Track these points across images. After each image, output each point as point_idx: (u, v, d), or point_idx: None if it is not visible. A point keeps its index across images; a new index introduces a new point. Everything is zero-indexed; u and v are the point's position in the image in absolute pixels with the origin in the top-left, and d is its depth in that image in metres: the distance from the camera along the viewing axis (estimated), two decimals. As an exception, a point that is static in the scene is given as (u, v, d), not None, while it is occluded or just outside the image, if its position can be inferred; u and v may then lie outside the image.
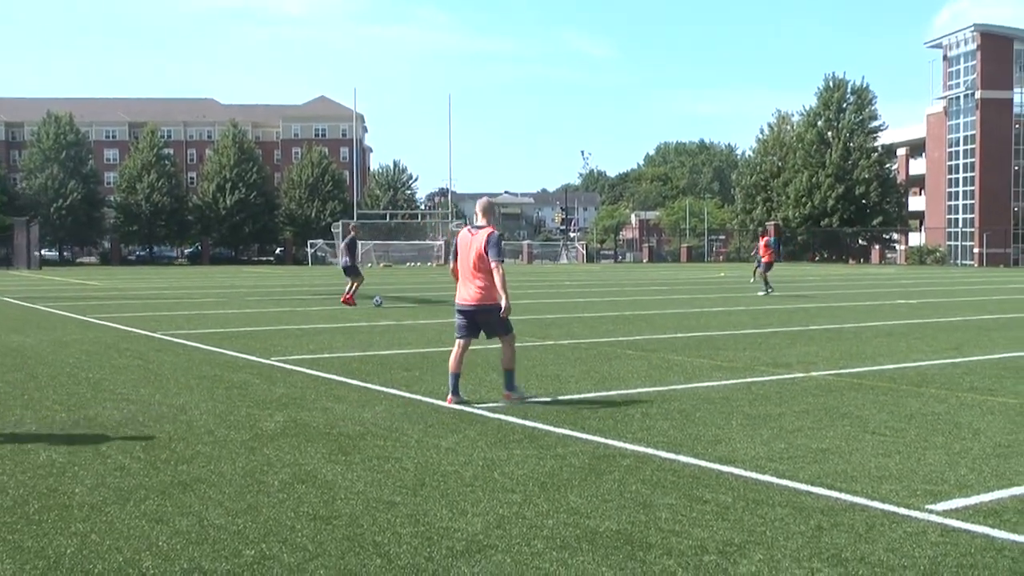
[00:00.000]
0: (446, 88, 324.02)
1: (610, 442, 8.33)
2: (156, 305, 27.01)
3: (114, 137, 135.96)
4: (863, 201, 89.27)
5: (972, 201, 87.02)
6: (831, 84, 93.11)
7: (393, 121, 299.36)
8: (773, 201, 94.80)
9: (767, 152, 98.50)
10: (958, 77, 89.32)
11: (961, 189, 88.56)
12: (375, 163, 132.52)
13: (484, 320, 10.40)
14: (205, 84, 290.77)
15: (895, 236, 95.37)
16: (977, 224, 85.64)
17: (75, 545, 5.59)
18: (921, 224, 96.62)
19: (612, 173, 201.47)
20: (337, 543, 5.64)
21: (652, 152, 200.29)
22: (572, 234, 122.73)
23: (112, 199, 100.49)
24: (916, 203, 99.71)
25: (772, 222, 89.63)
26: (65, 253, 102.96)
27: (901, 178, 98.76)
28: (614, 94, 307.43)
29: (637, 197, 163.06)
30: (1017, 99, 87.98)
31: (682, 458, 7.73)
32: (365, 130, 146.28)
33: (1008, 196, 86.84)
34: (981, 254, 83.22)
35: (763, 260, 32.52)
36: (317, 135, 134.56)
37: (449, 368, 10.51)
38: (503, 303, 10.21)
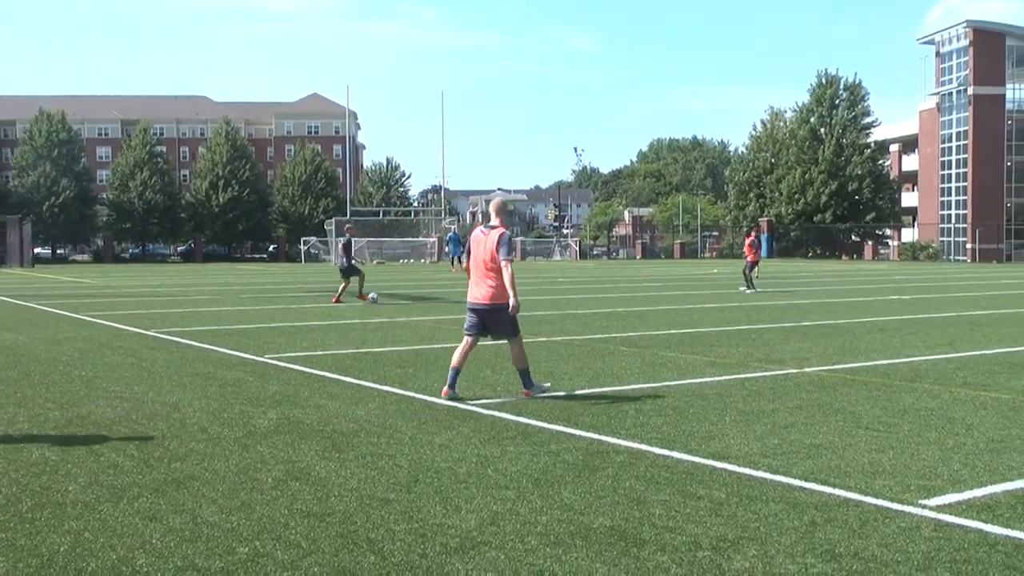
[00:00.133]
0: (438, 85, 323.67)
1: (604, 438, 8.34)
2: (149, 303, 26.96)
3: (106, 135, 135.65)
4: (856, 197, 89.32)
5: (965, 197, 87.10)
6: (824, 80, 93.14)
7: (386, 118, 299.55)
8: (766, 197, 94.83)
9: (760, 148, 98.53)
10: (951, 73, 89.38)
11: (954, 185, 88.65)
12: (368, 160, 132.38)
13: (493, 320, 10.45)
14: (198, 81, 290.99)
15: (888, 232, 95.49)
16: (970, 220, 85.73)
17: (68, 543, 5.58)
18: (914, 220, 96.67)
19: (605, 170, 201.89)
20: (331, 540, 5.63)
21: (645, 148, 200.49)
22: (565, 231, 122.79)
23: (105, 197, 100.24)
24: (909, 199, 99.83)
25: (765, 218, 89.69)
26: (58, 251, 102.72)
27: (894, 174, 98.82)
28: (607, 90, 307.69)
29: (630, 194, 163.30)
30: (1010, 95, 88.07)
31: (676, 454, 7.74)
32: (358, 127, 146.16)
33: (1001, 192, 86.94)
34: (974, 250, 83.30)
35: (748, 259, 32.79)
36: (310, 132, 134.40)
37: (452, 362, 10.56)
38: (512, 301, 10.31)
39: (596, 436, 8.44)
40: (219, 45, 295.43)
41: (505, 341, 10.73)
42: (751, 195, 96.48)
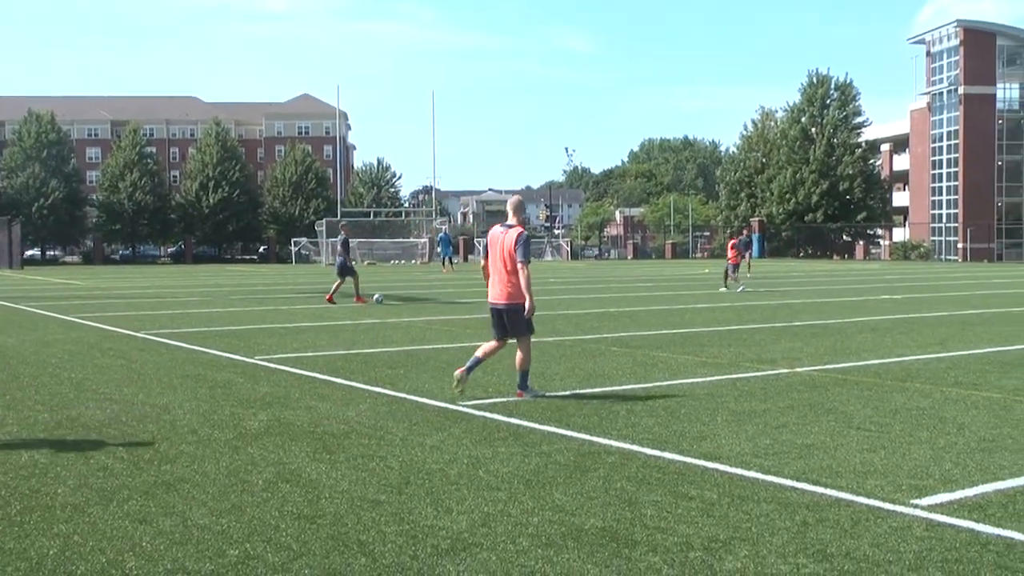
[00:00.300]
0: (429, 85, 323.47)
1: (595, 439, 8.33)
2: (139, 304, 26.90)
3: (96, 135, 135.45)
4: (847, 197, 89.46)
5: (956, 196, 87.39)
6: (815, 80, 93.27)
7: (376, 118, 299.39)
8: (757, 197, 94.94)
9: (751, 148, 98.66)
10: (941, 73, 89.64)
11: (945, 184, 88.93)
12: (359, 161, 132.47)
13: (511, 318, 10.51)
14: (187, 82, 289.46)
15: (879, 232, 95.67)
16: (961, 219, 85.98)
17: (58, 546, 5.56)
18: (905, 220, 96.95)
19: (596, 170, 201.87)
20: (322, 542, 5.61)
21: (636, 149, 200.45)
22: (556, 231, 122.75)
23: (94, 198, 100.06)
24: (900, 199, 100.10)
25: (756, 218, 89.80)
26: (48, 252, 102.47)
27: (885, 174, 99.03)
28: (598, 90, 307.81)
29: (621, 194, 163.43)
30: (1000, 94, 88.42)
31: (667, 455, 7.73)
32: (348, 128, 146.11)
33: (992, 191, 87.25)
34: (965, 249, 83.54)
35: (730, 261, 33.38)
36: (300, 133, 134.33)
37: (476, 352, 10.72)
38: (527, 304, 10.36)
39: (587, 437, 8.43)
40: (209, 45, 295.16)
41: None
42: (742, 195, 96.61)
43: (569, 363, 13.33)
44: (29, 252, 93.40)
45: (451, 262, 55.14)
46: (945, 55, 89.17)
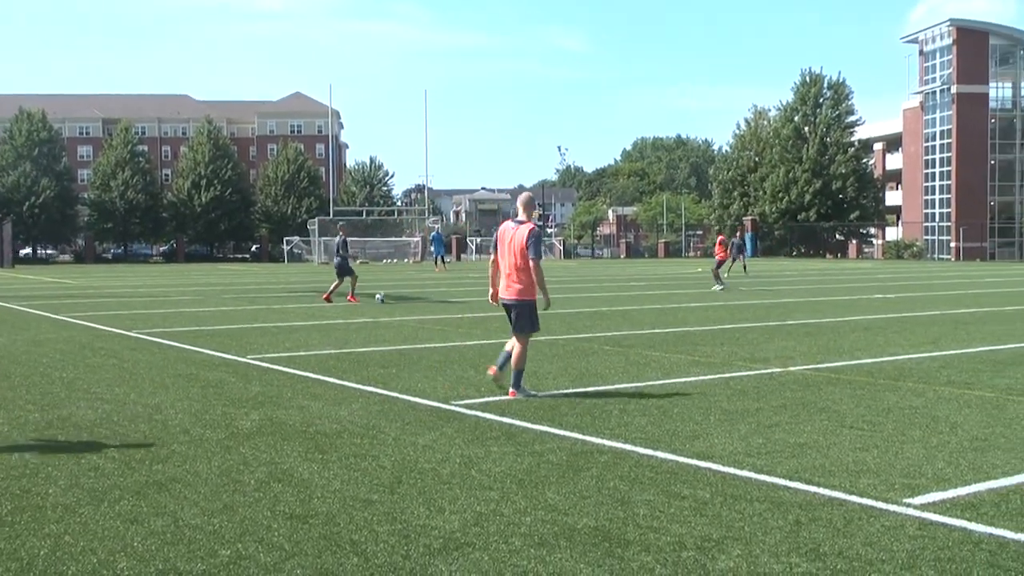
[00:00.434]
0: (422, 84, 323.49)
1: (588, 438, 8.32)
2: (131, 303, 26.85)
3: (88, 134, 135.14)
4: (840, 196, 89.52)
5: (949, 195, 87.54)
6: (808, 79, 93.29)
7: (369, 117, 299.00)
8: (750, 196, 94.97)
9: (744, 147, 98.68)
10: (934, 72, 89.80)
11: (938, 183, 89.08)
12: (351, 159, 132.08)
13: (516, 314, 10.61)
14: (179, 80, 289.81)
15: (872, 231, 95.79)
16: (954, 218, 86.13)
17: (48, 547, 5.53)
18: (898, 219, 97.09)
19: (589, 169, 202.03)
20: (314, 542, 5.60)
21: (629, 147, 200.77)
22: (549, 230, 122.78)
23: (86, 196, 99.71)
24: (893, 198, 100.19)
25: (749, 217, 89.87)
26: (39, 251, 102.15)
27: (878, 173, 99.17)
28: (590, 89, 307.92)
29: (614, 193, 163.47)
30: (993, 93, 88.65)
31: (660, 454, 7.72)
32: (341, 126, 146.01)
33: (984, 190, 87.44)
34: (958, 248, 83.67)
35: (717, 257, 33.77)
36: (293, 131, 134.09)
37: (505, 347, 10.76)
38: (543, 298, 10.62)
39: (580, 436, 8.42)
40: (201, 43, 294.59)
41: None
42: (735, 194, 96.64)
43: (562, 362, 13.32)
44: (20, 251, 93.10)
45: (444, 261, 55.08)
46: (938, 54, 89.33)
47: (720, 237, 35.83)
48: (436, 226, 77.14)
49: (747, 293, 30.05)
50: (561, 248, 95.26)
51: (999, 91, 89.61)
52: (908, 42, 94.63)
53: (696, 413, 9.48)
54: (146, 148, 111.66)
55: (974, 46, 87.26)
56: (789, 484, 6.80)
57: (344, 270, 26.28)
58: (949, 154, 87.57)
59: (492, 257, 10.93)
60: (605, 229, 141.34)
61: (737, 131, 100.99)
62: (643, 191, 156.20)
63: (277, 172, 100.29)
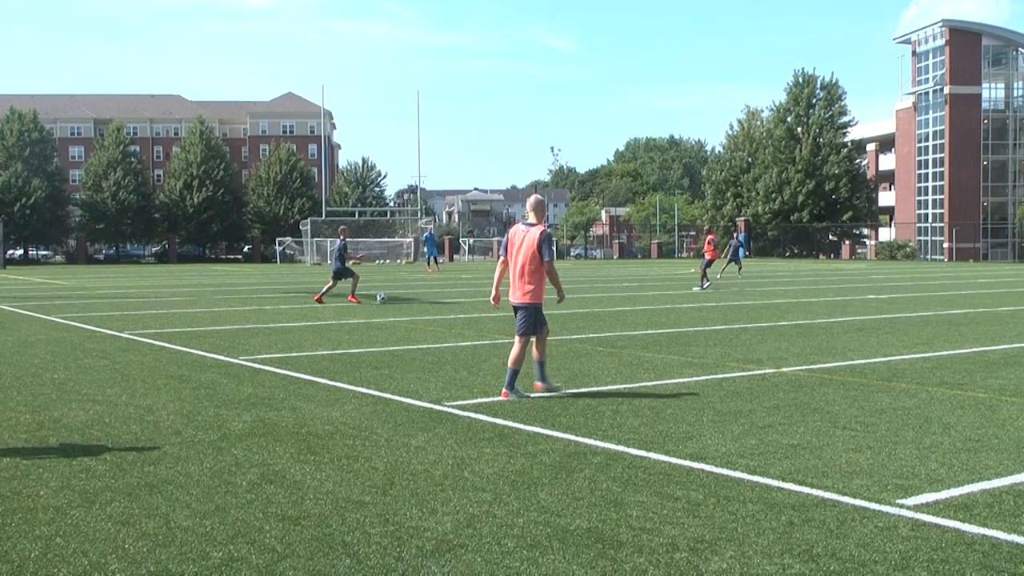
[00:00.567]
0: (414, 84, 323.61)
1: (581, 440, 8.31)
2: (123, 304, 26.79)
3: (79, 134, 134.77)
4: (833, 197, 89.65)
5: (942, 196, 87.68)
6: (801, 80, 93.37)
7: (361, 118, 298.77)
8: (743, 197, 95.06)
9: (737, 148, 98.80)
10: (927, 72, 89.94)
11: (931, 184, 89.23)
12: (343, 160, 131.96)
13: (521, 315, 10.76)
14: (171, 80, 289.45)
15: (865, 231, 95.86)
16: (947, 219, 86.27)
17: (40, 549, 5.52)
18: (891, 219, 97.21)
19: (582, 169, 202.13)
20: (306, 544, 5.59)
21: (622, 148, 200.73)
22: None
23: (78, 197, 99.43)
24: (886, 198, 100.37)
25: (742, 218, 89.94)
26: (30, 252, 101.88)
27: (871, 173, 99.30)
28: (583, 89, 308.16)
29: (607, 193, 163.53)
30: (986, 94, 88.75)
31: (653, 455, 7.72)
32: (333, 127, 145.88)
33: (977, 191, 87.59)
34: (951, 249, 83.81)
35: (706, 257, 33.89)
36: (285, 132, 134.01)
37: (534, 359, 10.86)
38: (557, 294, 11.11)
39: (573, 437, 8.41)
40: (193, 43, 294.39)
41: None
42: (728, 194, 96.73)
43: (554, 364, 13.29)
44: (11, 252, 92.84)
45: (436, 262, 55.03)
46: (931, 55, 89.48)
47: (710, 237, 35.82)
48: (429, 227, 77.13)
49: (740, 294, 30.06)
50: (554, 249, 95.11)
51: (992, 92, 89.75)
52: (901, 43, 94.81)
53: (689, 414, 9.47)
54: (138, 148, 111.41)
55: (967, 47, 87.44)
56: (782, 485, 6.79)
57: (340, 273, 26.31)
58: (942, 155, 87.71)
59: (501, 259, 11.04)
60: (598, 230, 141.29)
61: (730, 132, 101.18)
62: (636, 192, 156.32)
63: (269, 172, 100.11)
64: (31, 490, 6.77)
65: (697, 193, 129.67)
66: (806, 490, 6.66)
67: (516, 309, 10.82)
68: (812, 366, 12.94)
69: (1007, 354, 14.24)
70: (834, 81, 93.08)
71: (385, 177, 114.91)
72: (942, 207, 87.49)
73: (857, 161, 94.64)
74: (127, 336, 17.48)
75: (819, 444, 8.08)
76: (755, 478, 6.99)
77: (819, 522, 5.95)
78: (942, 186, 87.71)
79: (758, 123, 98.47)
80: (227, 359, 14.02)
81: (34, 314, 22.99)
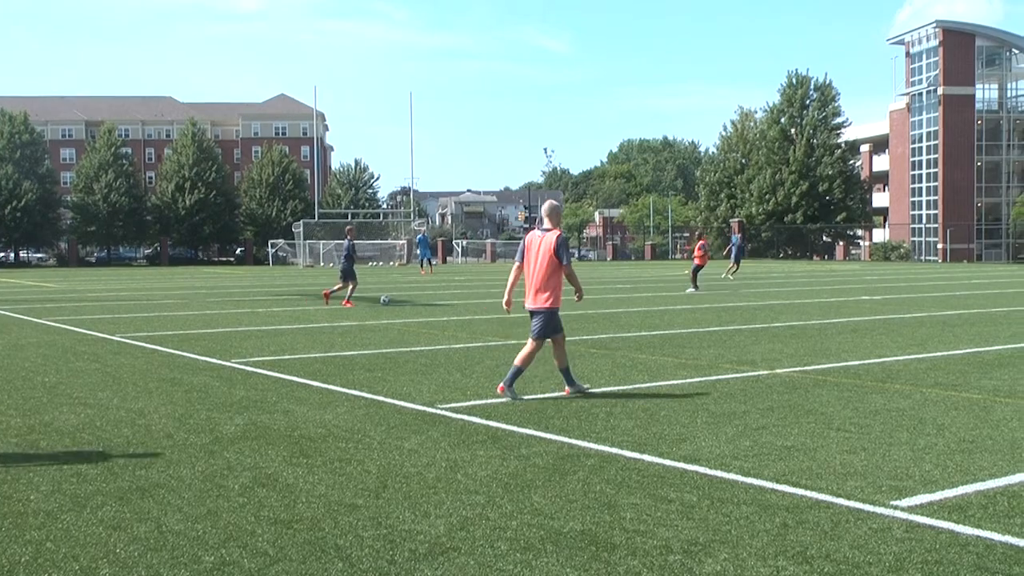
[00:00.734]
0: (407, 85, 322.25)
1: (574, 442, 8.29)
2: (114, 307, 26.74)
3: (70, 136, 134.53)
4: (827, 198, 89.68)
5: (935, 197, 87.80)
6: (794, 81, 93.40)
7: (354, 119, 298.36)
8: (737, 198, 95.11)
9: (730, 149, 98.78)
10: (921, 73, 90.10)
11: (925, 185, 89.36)
12: (336, 162, 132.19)
13: (536, 319, 10.78)
14: (163, 82, 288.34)
15: (859, 232, 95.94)
16: (941, 220, 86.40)
17: (30, 553, 5.49)
18: (885, 220, 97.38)
19: (575, 171, 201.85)
20: (298, 547, 5.57)
21: (615, 149, 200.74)
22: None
23: (69, 199, 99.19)
24: (880, 199, 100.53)
25: (736, 219, 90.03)
26: (21, 255, 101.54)
27: (864, 174, 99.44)
28: (576, 90, 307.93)
29: (601, 195, 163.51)
30: (979, 95, 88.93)
31: (647, 457, 7.70)
32: (326, 128, 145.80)
33: (971, 192, 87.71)
34: (945, 250, 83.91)
35: (696, 262, 33.85)
36: (277, 133, 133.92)
37: (556, 365, 10.94)
38: (576, 293, 11.12)
39: (566, 439, 8.39)
40: (185, 45, 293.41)
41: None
42: (722, 196, 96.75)
43: (548, 365, 13.24)
44: (1, 254, 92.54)
45: (430, 264, 54.99)
46: (925, 56, 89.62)
47: (701, 242, 35.57)
48: (422, 229, 77.08)
49: (734, 295, 30.07)
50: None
51: (985, 92, 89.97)
52: (894, 43, 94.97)
53: (683, 416, 9.46)
54: (129, 150, 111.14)
55: (960, 47, 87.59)
56: (776, 487, 6.78)
57: (348, 274, 26.33)
58: (935, 156, 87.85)
59: (516, 264, 11.10)
60: (592, 231, 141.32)
61: (723, 133, 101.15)
62: (629, 193, 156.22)
63: (262, 174, 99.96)
64: (21, 494, 6.73)
65: (691, 194, 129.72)
66: (800, 492, 6.65)
67: (533, 314, 10.84)
68: (806, 367, 12.93)
69: (1001, 355, 14.25)
70: (828, 82, 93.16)
71: (378, 179, 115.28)
72: (936, 208, 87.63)
73: (851, 162, 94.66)
74: (118, 339, 17.44)
75: (813, 446, 8.07)
76: (749, 480, 6.98)
77: (813, 524, 5.94)
78: (936, 187, 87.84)
79: (752, 124, 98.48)
80: (219, 362, 13.98)
81: (25, 317, 22.93)
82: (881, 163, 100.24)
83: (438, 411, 9.84)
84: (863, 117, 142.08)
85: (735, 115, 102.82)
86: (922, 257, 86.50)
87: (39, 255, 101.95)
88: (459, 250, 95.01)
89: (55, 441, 8.52)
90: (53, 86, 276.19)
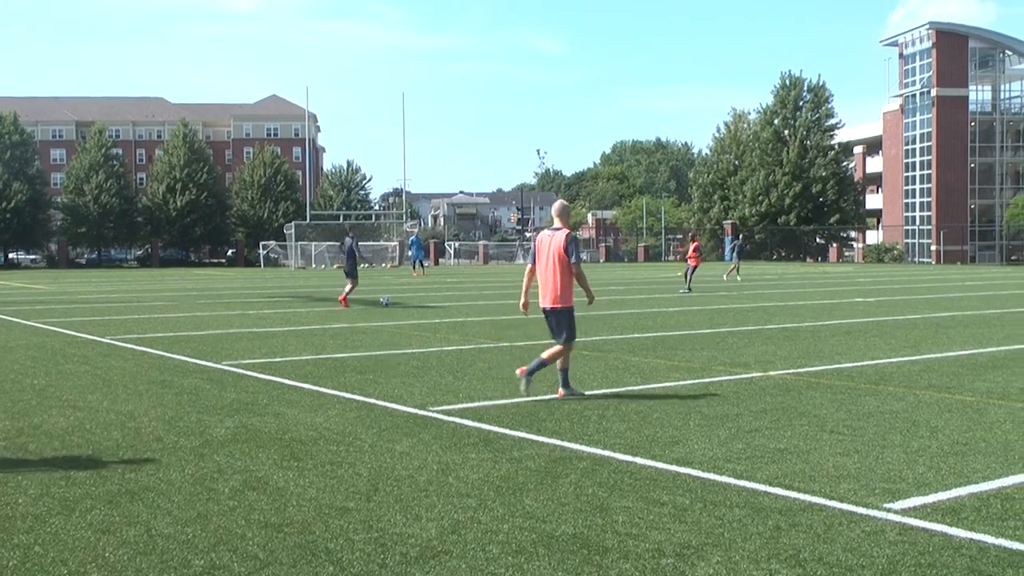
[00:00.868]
0: (399, 86, 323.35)
1: (566, 444, 8.27)
2: (104, 309, 26.68)
3: (61, 137, 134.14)
4: (820, 199, 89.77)
5: (929, 199, 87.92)
6: (787, 82, 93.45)
7: (346, 120, 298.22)
8: (730, 200, 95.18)
9: (724, 150, 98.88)
10: (914, 75, 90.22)
11: (918, 187, 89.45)
12: (328, 163, 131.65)
13: (556, 320, 10.91)
14: (154, 82, 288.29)
15: (852, 234, 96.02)
16: (934, 222, 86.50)
17: (17, 558, 5.45)
18: (878, 222, 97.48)
19: (568, 172, 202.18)
20: (289, 551, 5.54)
21: (608, 151, 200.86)
22: (528, 234, 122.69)
23: (59, 200, 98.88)
24: (873, 201, 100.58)
25: (729, 221, 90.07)
26: (10, 256, 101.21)
27: (858, 176, 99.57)
28: (569, 92, 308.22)
29: (593, 196, 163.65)
30: (972, 96, 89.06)
31: (639, 460, 7.68)
32: (318, 129, 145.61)
33: (965, 193, 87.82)
34: (938, 252, 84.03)
35: (690, 263, 33.92)
36: (269, 135, 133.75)
37: (556, 366, 10.98)
38: (587, 296, 11.23)
39: (559, 442, 8.37)
40: (177, 45, 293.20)
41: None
42: (715, 197, 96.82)
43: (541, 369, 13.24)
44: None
45: (422, 266, 54.92)
46: (918, 57, 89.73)
47: (695, 243, 35.71)
48: (415, 231, 77.03)
49: (727, 297, 30.07)
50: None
51: (979, 94, 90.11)
52: (888, 45, 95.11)
53: (675, 418, 9.44)
54: (120, 151, 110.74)
55: (953, 49, 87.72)
56: (769, 490, 6.76)
57: (350, 273, 26.41)
58: (929, 157, 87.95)
59: (529, 266, 11.22)
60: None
61: (717, 134, 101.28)
62: (622, 195, 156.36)
63: (253, 176, 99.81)
64: (9, 498, 6.69)
65: (684, 196, 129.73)
66: (793, 495, 6.63)
67: (549, 314, 10.96)
68: (799, 370, 12.92)
69: (995, 357, 14.25)
70: (821, 83, 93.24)
71: (370, 180, 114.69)
72: (929, 210, 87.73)
73: (844, 164, 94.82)
74: (108, 341, 17.38)
75: (806, 448, 8.05)
76: (742, 483, 6.96)
77: (806, 527, 5.92)
78: (929, 188, 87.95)
79: (745, 126, 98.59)
80: (210, 364, 13.94)
81: (14, 319, 22.86)
82: (874, 165, 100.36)
83: (430, 414, 9.80)
84: (856, 119, 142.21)
85: (728, 116, 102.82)
86: (915, 259, 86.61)
87: (32, 257, 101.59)
88: (451, 252, 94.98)
89: (44, 444, 8.47)
90: (43, 86, 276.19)
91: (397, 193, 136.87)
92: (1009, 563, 5.29)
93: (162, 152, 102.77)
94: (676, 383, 11.84)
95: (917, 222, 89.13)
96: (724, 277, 44.51)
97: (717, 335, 17.76)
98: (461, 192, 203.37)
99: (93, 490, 6.89)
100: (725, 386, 11.56)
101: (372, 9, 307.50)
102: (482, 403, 10.38)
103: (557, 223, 11.00)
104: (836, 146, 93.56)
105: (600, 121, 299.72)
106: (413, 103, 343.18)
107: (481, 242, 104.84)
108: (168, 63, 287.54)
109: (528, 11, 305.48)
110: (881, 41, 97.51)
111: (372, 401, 10.61)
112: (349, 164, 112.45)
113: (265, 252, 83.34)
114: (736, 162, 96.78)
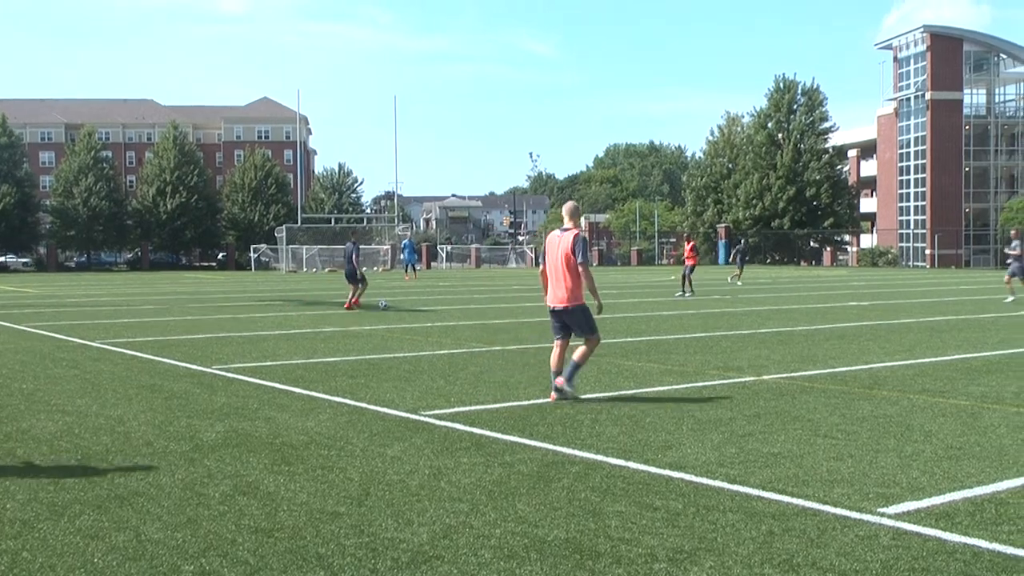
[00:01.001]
0: (391, 89, 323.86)
1: (559, 449, 8.24)
2: (94, 313, 26.60)
3: (50, 139, 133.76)
4: (814, 203, 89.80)
5: (923, 203, 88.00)
6: (781, 85, 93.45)
7: (337, 123, 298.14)
8: (724, 203, 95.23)
9: (717, 154, 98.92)
10: (908, 78, 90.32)
11: (912, 191, 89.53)
12: (319, 166, 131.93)
13: (572, 320, 10.97)
14: (144, 84, 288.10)
15: (847, 238, 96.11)
16: (929, 225, 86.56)
17: (5, 564, 5.42)
18: (873, 226, 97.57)
19: (561, 175, 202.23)
20: (279, 556, 5.50)
21: (601, 154, 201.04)
22: (521, 237, 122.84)
23: (48, 203, 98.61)
24: (868, 204, 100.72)
25: (723, 224, 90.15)
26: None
27: (852, 179, 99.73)
28: (562, 95, 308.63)
29: (586, 200, 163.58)
30: (967, 100, 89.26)
31: (632, 464, 7.65)
32: (309, 132, 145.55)
33: (959, 197, 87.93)
34: (933, 255, 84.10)
35: (687, 263, 34.00)
36: (260, 137, 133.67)
37: (550, 367, 11.02)
38: (595, 302, 11.01)
39: (551, 446, 8.34)
40: (167, 47, 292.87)
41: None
42: (709, 201, 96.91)
43: (532, 371, 13.23)
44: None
45: (414, 269, 54.90)
46: (912, 60, 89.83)
47: (691, 243, 35.71)
48: (407, 234, 77.02)
49: (720, 301, 30.08)
50: (532, 256, 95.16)
51: (973, 98, 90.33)
52: (882, 48, 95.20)
53: (669, 423, 9.41)
54: (110, 154, 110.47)
55: (948, 52, 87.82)
56: (762, 494, 6.74)
57: (352, 277, 26.37)
58: (923, 161, 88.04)
59: (541, 267, 11.27)
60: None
61: (710, 137, 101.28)
62: (616, 198, 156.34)
63: (244, 179, 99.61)
64: (-3, 503, 6.65)
65: (677, 199, 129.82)
66: (786, 499, 6.61)
67: (559, 314, 11.00)
68: (793, 374, 12.91)
69: (989, 361, 14.25)
70: (815, 87, 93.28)
71: (362, 183, 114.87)
72: (924, 213, 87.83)
73: (838, 167, 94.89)
74: (98, 345, 17.32)
75: (800, 452, 8.03)
76: (735, 487, 6.93)
77: (800, 531, 5.89)
78: (924, 192, 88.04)
79: (739, 129, 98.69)
80: (200, 368, 13.89)
81: (2, 323, 22.79)
82: (869, 168, 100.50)
83: (421, 418, 9.77)
84: (851, 122, 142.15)
85: (722, 120, 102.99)
86: (910, 263, 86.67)
87: (21, 260, 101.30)
88: (443, 256, 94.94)
89: (32, 449, 8.42)
90: (32, 89, 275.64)
91: (389, 196, 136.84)
92: (1003, 568, 5.27)
93: (152, 155, 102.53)
94: (669, 387, 11.82)
95: (911, 226, 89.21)
96: (728, 280, 44.62)
97: (711, 339, 17.74)
98: (453, 195, 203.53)
99: (82, 495, 6.84)
100: (718, 390, 11.55)
101: (363, 11, 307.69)
102: (474, 407, 10.35)
103: (567, 223, 11.07)
104: (830, 149, 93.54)
105: (593, 124, 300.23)
106: (405, 106, 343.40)
107: (473, 245, 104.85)
108: (158, 65, 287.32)
109: (520, 13, 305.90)
110: (875, 44, 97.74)
111: (363, 405, 10.57)
112: (341, 167, 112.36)
113: (256, 255, 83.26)
114: (730, 165, 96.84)
